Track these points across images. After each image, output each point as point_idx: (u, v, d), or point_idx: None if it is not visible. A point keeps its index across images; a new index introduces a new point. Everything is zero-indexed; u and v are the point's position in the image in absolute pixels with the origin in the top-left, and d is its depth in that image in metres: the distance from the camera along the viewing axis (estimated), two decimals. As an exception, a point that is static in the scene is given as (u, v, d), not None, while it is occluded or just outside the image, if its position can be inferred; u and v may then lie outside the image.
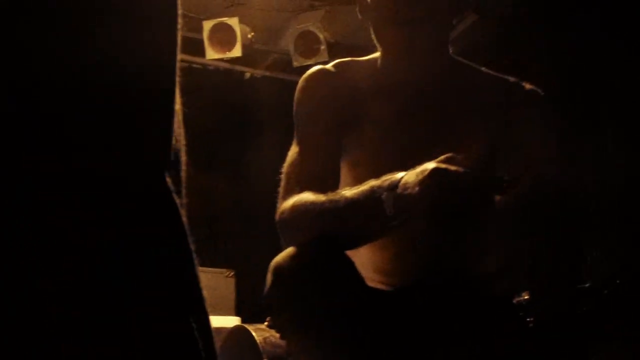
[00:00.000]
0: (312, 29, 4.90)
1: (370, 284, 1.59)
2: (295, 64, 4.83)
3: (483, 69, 1.74)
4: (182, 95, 0.78)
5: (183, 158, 0.76)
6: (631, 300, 3.30)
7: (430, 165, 1.25)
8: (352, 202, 1.37)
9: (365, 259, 1.61)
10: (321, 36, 4.87)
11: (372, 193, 1.33)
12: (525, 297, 1.91)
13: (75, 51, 0.65)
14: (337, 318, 1.37)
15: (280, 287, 1.41)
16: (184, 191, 0.75)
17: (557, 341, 1.60)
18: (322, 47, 4.87)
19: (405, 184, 1.26)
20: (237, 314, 4.32)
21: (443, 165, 1.24)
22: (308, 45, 4.92)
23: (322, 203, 1.43)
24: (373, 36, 1.62)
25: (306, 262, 1.39)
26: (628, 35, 4.11)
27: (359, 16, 1.66)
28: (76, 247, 0.64)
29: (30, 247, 0.62)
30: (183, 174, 0.76)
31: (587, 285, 3.18)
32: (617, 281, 3.32)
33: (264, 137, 5.28)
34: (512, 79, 1.72)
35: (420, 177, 1.24)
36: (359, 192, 1.37)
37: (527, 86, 1.71)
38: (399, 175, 1.29)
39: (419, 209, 1.23)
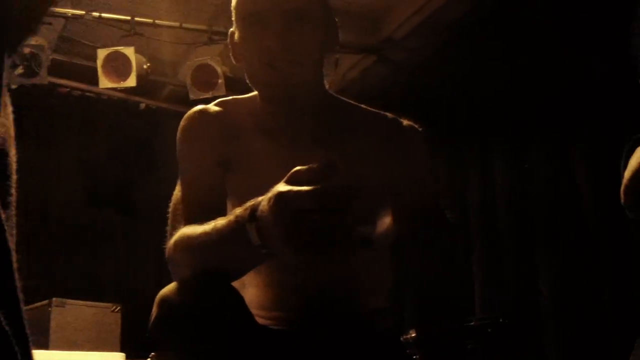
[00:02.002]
0: (210, 62, 4.88)
1: (258, 321, 1.57)
2: (192, 96, 4.79)
3: (362, 105, 1.78)
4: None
5: (13, 164, 0.74)
6: (514, 339, 3.40)
7: (276, 188, 1.23)
8: (220, 234, 1.36)
9: (251, 296, 1.61)
10: (219, 70, 4.86)
11: (237, 223, 1.31)
12: (412, 335, 1.92)
13: None
14: (221, 354, 1.35)
15: (164, 321, 1.38)
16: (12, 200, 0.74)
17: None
18: (220, 80, 4.86)
19: (261, 212, 1.25)
20: (122, 350, 4.21)
21: (286, 188, 1.22)
22: (205, 78, 4.90)
23: (198, 236, 1.42)
24: (247, 80, 1.65)
25: (191, 296, 1.38)
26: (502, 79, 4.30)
27: (233, 61, 1.70)
28: None
29: None
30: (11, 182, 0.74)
31: (471, 323, 3.26)
32: (501, 320, 3.42)
33: (156, 169, 5.21)
34: (390, 115, 1.77)
35: (271, 202, 1.22)
36: (226, 223, 1.36)
37: (406, 122, 1.75)
38: (259, 199, 1.28)
39: (275, 238, 1.21)
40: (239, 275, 1.49)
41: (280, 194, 1.21)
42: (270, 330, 1.58)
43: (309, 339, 1.57)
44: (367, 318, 1.65)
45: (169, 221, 1.62)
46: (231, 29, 1.70)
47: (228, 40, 1.72)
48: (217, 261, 1.41)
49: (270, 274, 1.59)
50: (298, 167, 1.26)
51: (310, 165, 1.24)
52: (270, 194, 1.23)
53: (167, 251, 1.54)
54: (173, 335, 1.38)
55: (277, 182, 1.56)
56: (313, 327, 1.58)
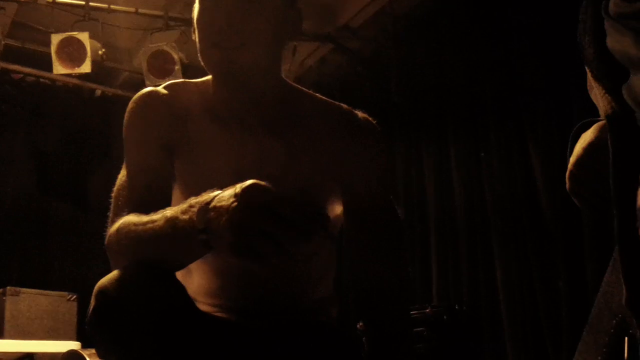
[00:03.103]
0: (166, 48, 4.84)
1: (202, 307, 1.57)
2: (148, 83, 4.74)
3: (317, 95, 1.76)
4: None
5: None
6: (469, 326, 3.44)
7: (248, 181, 1.24)
8: (169, 219, 1.34)
9: (197, 284, 1.60)
10: (175, 56, 4.83)
11: (189, 208, 1.31)
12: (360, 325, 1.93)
13: None
14: (159, 343, 1.33)
15: (101, 312, 1.35)
16: None
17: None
18: (177, 67, 4.83)
19: (221, 197, 1.25)
20: (78, 339, 4.18)
21: (262, 183, 1.23)
22: (161, 64, 4.86)
23: (144, 223, 1.39)
24: (199, 58, 1.62)
25: (129, 286, 1.34)
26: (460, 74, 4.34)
27: (192, 37, 1.66)
28: None
29: None
30: None
31: (426, 310, 3.29)
32: (456, 306, 3.46)
33: (109, 156, 5.16)
34: (345, 106, 1.75)
35: (238, 190, 1.22)
36: (177, 209, 1.34)
37: (360, 114, 1.74)
38: (216, 192, 1.28)
39: (226, 222, 1.21)
40: (178, 265, 1.46)
41: (256, 184, 1.21)
42: (214, 318, 1.57)
43: (250, 329, 1.56)
44: (310, 308, 1.65)
45: (112, 207, 1.59)
46: (195, 4, 1.66)
47: (192, 14, 1.66)
48: (159, 250, 1.38)
49: (215, 262, 1.57)
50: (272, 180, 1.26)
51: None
52: (240, 185, 1.23)
53: (107, 238, 1.50)
54: (110, 327, 1.34)
55: (221, 169, 1.56)
56: (255, 316, 1.58)
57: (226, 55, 1.55)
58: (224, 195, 1.24)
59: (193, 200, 1.31)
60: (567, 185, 1.24)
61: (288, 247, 1.20)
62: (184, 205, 1.33)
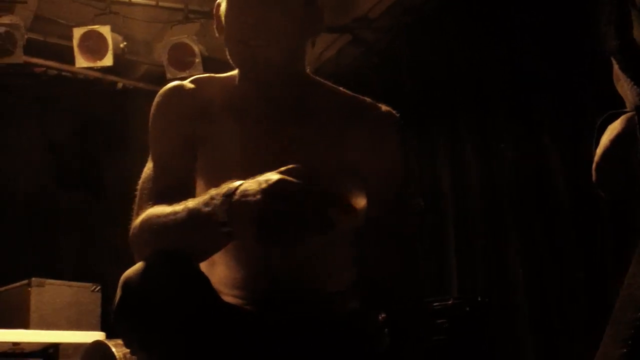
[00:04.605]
0: (186, 41, 4.86)
1: (227, 299, 1.59)
2: (169, 75, 4.77)
3: (339, 88, 1.77)
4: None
5: None
6: (489, 318, 3.43)
7: (274, 175, 1.26)
8: (190, 210, 1.37)
9: (221, 275, 1.61)
10: (196, 49, 4.85)
11: (210, 200, 1.33)
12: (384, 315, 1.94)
13: None
14: (184, 334, 1.36)
15: (127, 302, 1.37)
16: None
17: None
18: (197, 59, 4.85)
19: (244, 190, 1.27)
20: (102, 329, 4.22)
21: (288, 178, 1.26)
22: (182, 57, 4.88)
23: (167, 215, 1.42)
24: (227, 54, 1.64)
25: (155, 277, 1.37)
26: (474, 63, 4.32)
27: (216, 34, 1.68)
28: None
29: None
30: None
31: (449, 302, 3.29)
32: (479, 298, 3.45)
33: (132, 148, 5.18)
34: (367, 99, 1.76)
35: (264, 185, 1.25)
36: (198, 200, 1.37)
37: (384, 108, 1.74)
38: (238, 183, 1.30)
39: (251, 217, 1.23)
40: (203, 257, 1.49)
41: (283, 180, 1.25)
42: (238, 309, 1.58)
43: (268, 321, 1.58)
44: (330, 300, 1.66)
45: (136, 199, 1.61)
46: (218, 0, 1.68)
47: (214, 10, 1.69)
48: (182, 242, 1.41)
49: (238, 254, 1.59)
50: (295, 166, 1.29)
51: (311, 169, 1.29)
52: (265, 177, 1.26)
53: (131, 230, 1.53)
54: (135, 318, 1.36)
55: (242, 163, 1.58)
56: (276, 308, 1.60)
57: (252, 53, 1.58)
58: (249, 189, 1.27)
59: (213, 191, 1.34)
60: (594, 177, 1.23)
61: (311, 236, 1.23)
62: (205, 197, 1.36)
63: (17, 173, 5.28)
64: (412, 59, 4.89)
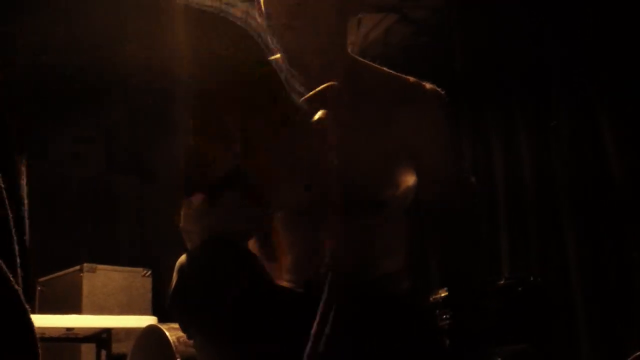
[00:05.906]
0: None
1: (284, 284, 1.61)
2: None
3: (383, 68, 1.77)
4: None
5: None
6: (543, 298, 3.39)
7: None
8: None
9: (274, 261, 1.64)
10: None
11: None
12: (442, 295, 1.93)
13: None
14: (238, 318, 1.39)
15: (183, 287, 1.42)
16: None
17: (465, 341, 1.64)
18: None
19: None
20: (153, 314, 4.27)
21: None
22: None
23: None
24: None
25: (210, 262, 1.41)
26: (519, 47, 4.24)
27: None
28: None
29: None
30: None
31: (501, 282, 3.25)
32: (531, 278, 3.40)
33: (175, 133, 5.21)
34: (411, 78, 1.75)
35: None
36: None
37: (428, 86, 1.74)
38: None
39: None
40: (245, 238, 1.54)
41: None
42: (291, 292, 1.60)
43: (324, 300, 1.59)
44: (382, 281, 1.66)
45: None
46: None
47: None
48: (229, 226, 1.46)
49: (289, 237, 1.63)
50: None
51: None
52: None
53: (181, 218, 1.57)
54: (190, 302, 1.42)
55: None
56: (327, 291, 1.60)
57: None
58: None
59: None
60: None
61: None
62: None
63: (71, 160, 5.36)
64: (464, 38, 4.81)
